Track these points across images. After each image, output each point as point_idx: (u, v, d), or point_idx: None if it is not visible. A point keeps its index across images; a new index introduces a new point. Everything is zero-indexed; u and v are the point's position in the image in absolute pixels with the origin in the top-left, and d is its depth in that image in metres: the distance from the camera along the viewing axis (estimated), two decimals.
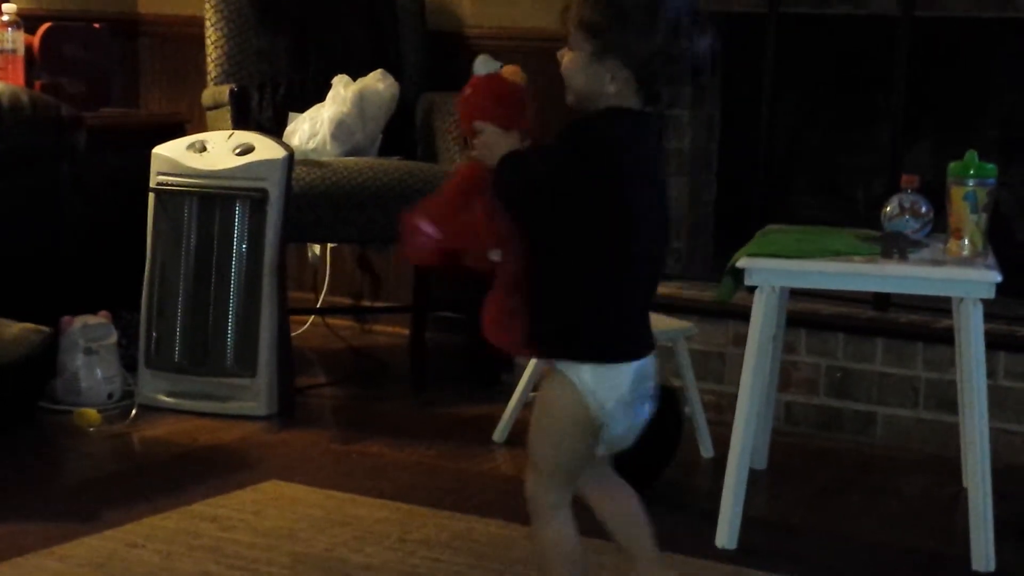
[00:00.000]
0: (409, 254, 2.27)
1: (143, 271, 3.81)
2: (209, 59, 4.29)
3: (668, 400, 3.23)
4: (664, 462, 3.23)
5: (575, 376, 2.12)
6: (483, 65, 2.26)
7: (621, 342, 2.14)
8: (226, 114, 4.04)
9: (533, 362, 3.50)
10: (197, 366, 3.74)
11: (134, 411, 3.70)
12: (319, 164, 3.92)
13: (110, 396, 3.74)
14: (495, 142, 2.17)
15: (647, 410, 2.22)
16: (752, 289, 2.90)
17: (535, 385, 3.49)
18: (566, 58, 2.16)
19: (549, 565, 2.24)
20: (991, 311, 2.89)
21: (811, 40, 4.14)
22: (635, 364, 2.15)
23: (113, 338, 3.78)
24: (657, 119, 2.23)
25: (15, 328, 3.54)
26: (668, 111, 4.16)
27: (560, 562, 2.23)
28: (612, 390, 2.13)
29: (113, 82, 4.49)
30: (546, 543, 2.23)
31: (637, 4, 2.10)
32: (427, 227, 2.20)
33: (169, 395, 3.76)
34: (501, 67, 2.28)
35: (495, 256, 2.18)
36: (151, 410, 3.71)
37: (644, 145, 2.15)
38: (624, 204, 2.11)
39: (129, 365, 3.82)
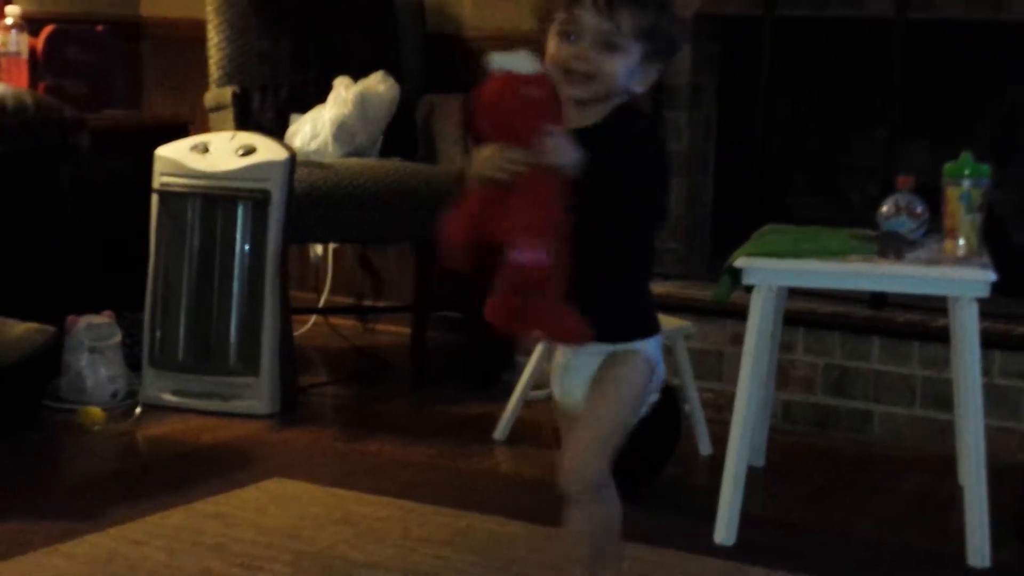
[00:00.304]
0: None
1: (146, 272, 3.82)
2: (211, 61, 4.29)
3: (667, 398, 3.25)
4: (664, 459, 3.24)
5: (649, 352, 2.17)
6: (518, 62, 2.09)
7: (656, 309, 2.25)
8: (228, 116, 4.05)
9: (533, 361, 3.51)
10: (201, 365, 3.75)
11: (138, 410, 3.72)
12: (321, 165, 3.92)
13: (114, 395, 3.75)
14: (565, 145, 2.04)
15: None
16: (750, 288, 2.91)
17: (535, 384, 3.52)
18: (615, 61, 2.10)
19: (613, 536, 2.26)
20: (986, 310, 2.90)
21: (807, 42, 4.15)
22: None
23: (117, 338, 3.79)
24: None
25: (19, 328, 3.55)
26: (668, 112, 4.18)
27: (617, 532, 2.26)
28: (659, 361, 2.20)
29: (116, 84, 4.49)
30: (612, 516, 2.24)
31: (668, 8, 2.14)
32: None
33: (173, 394, 3.77)
34: (534, 63, 2.10)
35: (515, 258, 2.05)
36: (155, 409, 3.72)
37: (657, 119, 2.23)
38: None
39: (133, 364, 3.83)
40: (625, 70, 2.11)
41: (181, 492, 3.06)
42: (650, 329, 2.20)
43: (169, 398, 3.77)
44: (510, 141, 2.06)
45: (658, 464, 3.23)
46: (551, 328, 2.12)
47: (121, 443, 3.51)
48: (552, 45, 2.15)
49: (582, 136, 2.08)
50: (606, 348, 2.16)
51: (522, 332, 2.31)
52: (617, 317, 2.16)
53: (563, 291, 2.05)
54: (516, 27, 4.38)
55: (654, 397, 2.24)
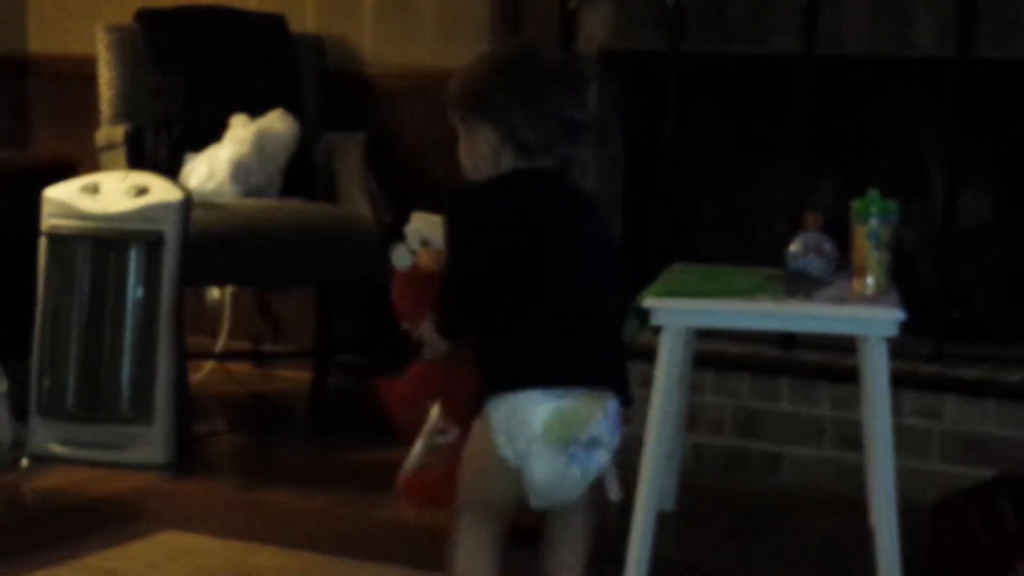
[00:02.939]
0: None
1: (34, 317, 3.74)
2: (102, 98, 4.24)
3: None
4: None
5: (490, 412, 2.15)
6: (400, 258, 2.52)
7: (527, 371, 2.14)
8: (120, 155, 4.00)
9: (437, 407, 3.46)
10: (91, 414, 3.68)
11: (24, 461, 3.64)
12: (217, 206, 3.88)
13: None
14: (426, 337, 2.35)
15: (595, 460, 2.18)
16: (658, 329, 2.89)
17: (439, 430, 3.47)
18: (461, 148, 2.34)
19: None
20: (896, 349, 2.90)
21: (712, 78, 4.16)
22: (552, 402, 2.12)
23: (3, 386, 3.71)
24: (555, 170, 2.33)
25: None
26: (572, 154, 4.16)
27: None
28: (521, 426, 2.11)
29: (2, 123, 4.43)
30: (454, 560, 2.26)
31: (484, 68, 2.31)
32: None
33: (62, 444, 3.69)
34: (416, 254, 2.52)
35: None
36: (43, 460, 3.64)
37: (526, 195, 2.27)
38: (507, 256, 2.21)
39: (20, 414, 3.75)
40: (468, 153, 2.31)
41: (70, 547, 3.00)
42: (488, 388, 2.19)
43: (58, 449, 3.69)
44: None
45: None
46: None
47: (6, 496, 3.43)
48: None
49: None
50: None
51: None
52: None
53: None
54: (416, 63, 4.36)
55: (597, 458, 2.23)
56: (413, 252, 2.54)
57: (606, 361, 2.23)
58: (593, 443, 2.16)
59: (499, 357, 2.18)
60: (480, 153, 2.29)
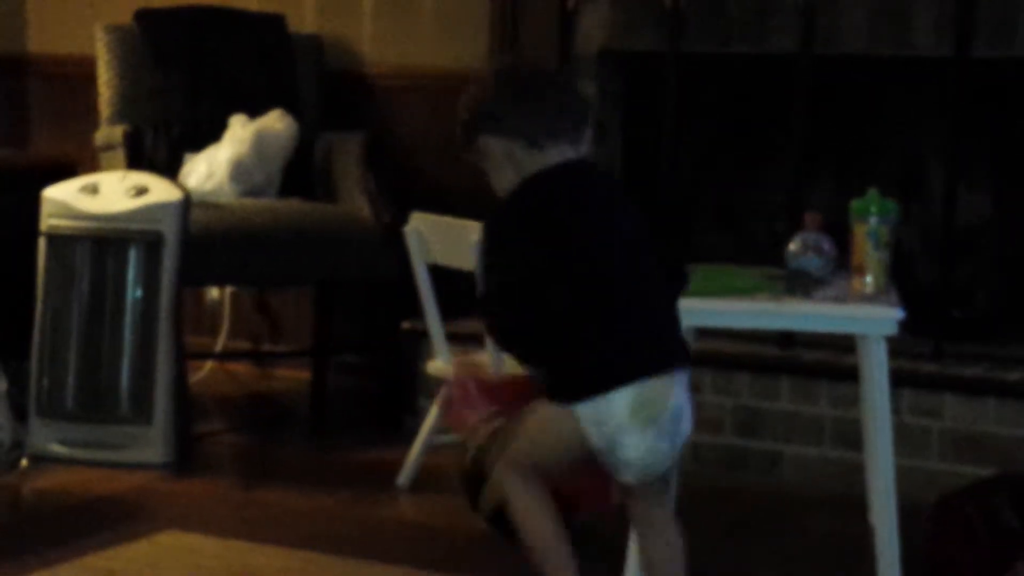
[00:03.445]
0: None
1: (33, 317, 3.73)
2: (101, 99, 4.23)
3: None
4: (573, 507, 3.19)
5: (577, 413, 2.24)
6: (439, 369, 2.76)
7: (606, 375, 2.24)
8: (120, 155, 4.00)
9: (435, 406, 3.47)
10: (90, 414, 3.67)
11: (24, 461, 3.63)
12: (216, 206, 3.88)
13: None
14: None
15: (682, 431, 2.30)
16: None
17: (439, 428, 3.47)
18: (493, 179, 2.38)
19: (523, 528, 2.35)
20: (895, 348, 2.90)
21: (712, 78, 4.16)
22: (630, 389, 2.22)
23: (3, 386, 3.70)
24: (583, 161, 2.38)
25: None
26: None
27: (527, 521, 2.34)
28: (610, 417, 2.22)
29: (1, 123, 4.42)
30: (513, 511, 2.35)
31: (477, 93, 2.40)
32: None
33: (61, 444, 3.68)
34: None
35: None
36: (43, 460, 3.63)
37: (562, 191, 2.33)
38: (558, 260, 2.27)
39: (20, 414, 3.74)
40: (497, 172, 2.36)
41: (70, 547, 2.99)
42: (571, 396, 2.26)
43: (57, 449, 3.68)
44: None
45: (569, 511, 3.17)
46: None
47: (6, 497, 3.43)
48: None
49: None
50: None
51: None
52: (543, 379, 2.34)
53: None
54: (415, 62, 4.35)
55: (684, 428, 2.32)
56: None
57: (669, 340, 2.33)
58: (676, 415, 2.28)
59: (572, 363, 2.27)
60: (503, 170, 2.35)
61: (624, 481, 2.32)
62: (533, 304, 2.28)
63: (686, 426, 2.31)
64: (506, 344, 2.38)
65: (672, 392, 2.27)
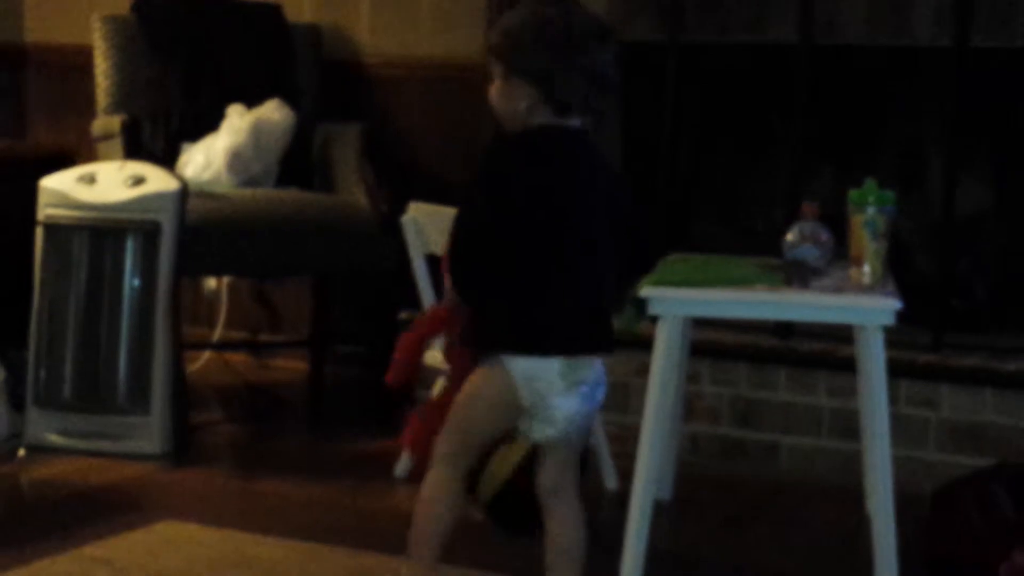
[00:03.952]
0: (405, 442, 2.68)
1: (31, 307, 3.72)
2: (99, 89, 4.23)
3: None
4: None
5: (508, 363, 2.35)
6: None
7: (545, 339, 2.36)
8: (117, 145, 3.99)
9: (435, 396, 3.46)
10: (88, 404, 3.67)
11: (22, 451, 3.63)
12: (214, 196, 3.87)
13: None
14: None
15: (597, 398, 2.44)
16: (655, 319, 2.88)
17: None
18: (493, 93, 2.40)
19: (420, 507, 2.49)
20: (892, 338, 2.90)
21: (711, 68, 4.15)
22: (563, 358, 2.36)
23: (0, 376, 3.70)
24: (580, 132, 2.43)
25: None
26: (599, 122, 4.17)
27: (431, 507, 2.48)
28: (542, 374, 2.35)
29: None
30: (425, 487, 2.48)
31: (526, 25, 2.37)
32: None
33: (59, 434, 3.68)
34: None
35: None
36: (40, 450, 3.62)
37: (552, 156, 2.38)
38: (532, 217, 2.34)
39: (17, 404, 3.74)
40: (493, 95, 2.39)
41: (68, 537, 2.99)
42: (511, 347, 2.37)
43: (55, 439, 3.67)
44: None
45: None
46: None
47: (3, 487, 3.41)
48: None
49: None
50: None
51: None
52: (479, 328, 2.42)
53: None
54: (413, 53, 4.35)
55: (599, 393, 2.44)
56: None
57: (605, 327, 2.44)
58: (595, 383, 2.42)
59: (518, 320, 2.37)
60: (516, 107, 2.37)
61: (542, 439, 2.43)
62: (492, 255, 2.35)
63: (600, 393, 2.44)
64: (461, 281, 2.42)
65: (594, 363, 2.42)
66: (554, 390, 2.36)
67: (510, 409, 2.39)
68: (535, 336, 2.36)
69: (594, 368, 2.42)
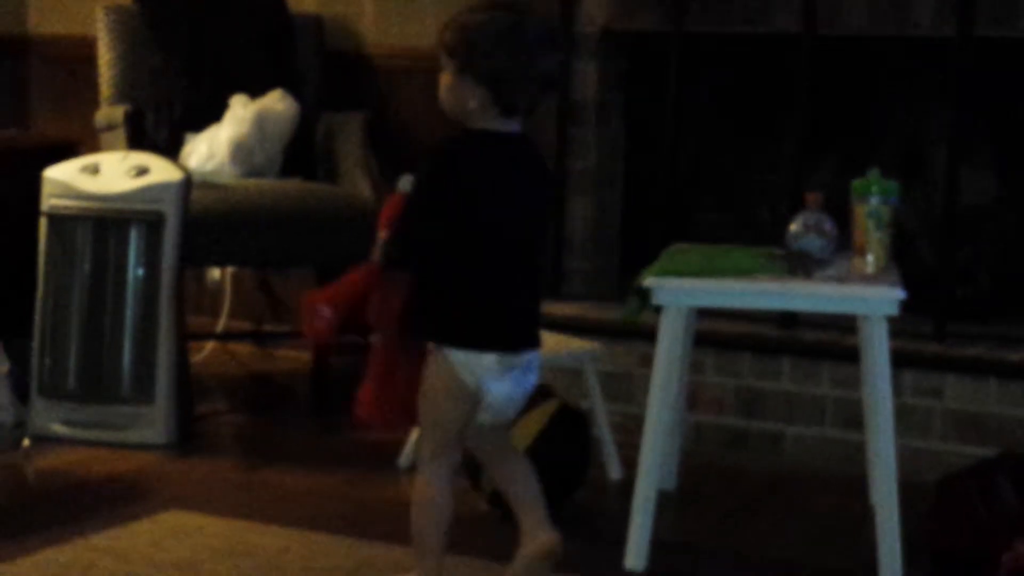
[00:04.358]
0: (308, 332, 2.65)
1: (35, 297, 3.72)
2: (102, 79, 4.21)
3: (576, 422, 3.22)
4: (573, 485, 3.20)
5: (450, 356, 2.49)
6: (406, 184, 2.60)
7: (481, 336, 2.49)
8: (120, 135, 3.98)
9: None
10: (92, 394, 3.67)
11: (26, 441, 3.61)
12: (217, 186, 3.86)
13: (1, 426, 3.62)
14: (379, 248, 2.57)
15: (530, 381, 2.56)
16: (659, 309, 2.88)
17: None
18: (442, 81, 2.49)
19: (415, 510, 2.56)
20: (897, 328, 2.90)
21: (714, 58, 4.14)
22: (496, 353, 2.49)
23: (4, 367, 3.68)
24: (519, 137, 2.51)
25: None
26: (575, 130, 4.18)
27: (425, 508, 2.56)
28: (479, 362, 2.48)
29: (2, 103, 4.41)
30: (416, 490, 2.57)
31: (485, 28, 2.45)
32: (326, 311, 2.59)
33: (63, 424, 3.68)
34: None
35: (375, 339, 2.59)
36: (45, 440, 3.62)
37: (493, 162, 2.48)
38: (472, 220, 2.45)
39: (21, 394, 3.72)
40: (443, 90, 2.48)
41: (72, 526, 2.99)
42: (446, 340, 2.50)
43: (59, 429, 3.68)
44: None
45: (567, 490, 3.18)
46: (369, 416, 2.62)
47: (7, 477, 3.40)
48: None
49: None
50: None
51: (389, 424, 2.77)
52: (420, 319, 2.53)
53: (385, 378, 2.59)
54: (417, 44, 4.33)
55: (531, 379, 2.57)
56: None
57: (536, 324, 2.58)
58: (527, 368, 2.54)
59: (455, 316, 2.50)
60: (465, 105, 2.46)
61: (482, 420, 2.55)
62: (431, 251, 2.47)
63: (533, 378, 2.57)
64: (401, 263, 2.53)
65: (527, 355, 2.55)
66: (491, 376, 2.49)
67: (465, 393, 2.50)
68: (471, 333, 2.49)
69: (526, 357, 2.54)
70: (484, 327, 2.49)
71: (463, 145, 2.49)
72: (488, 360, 2.48)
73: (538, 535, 2.62)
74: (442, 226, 2.45)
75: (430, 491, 2.55)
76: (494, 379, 2.49)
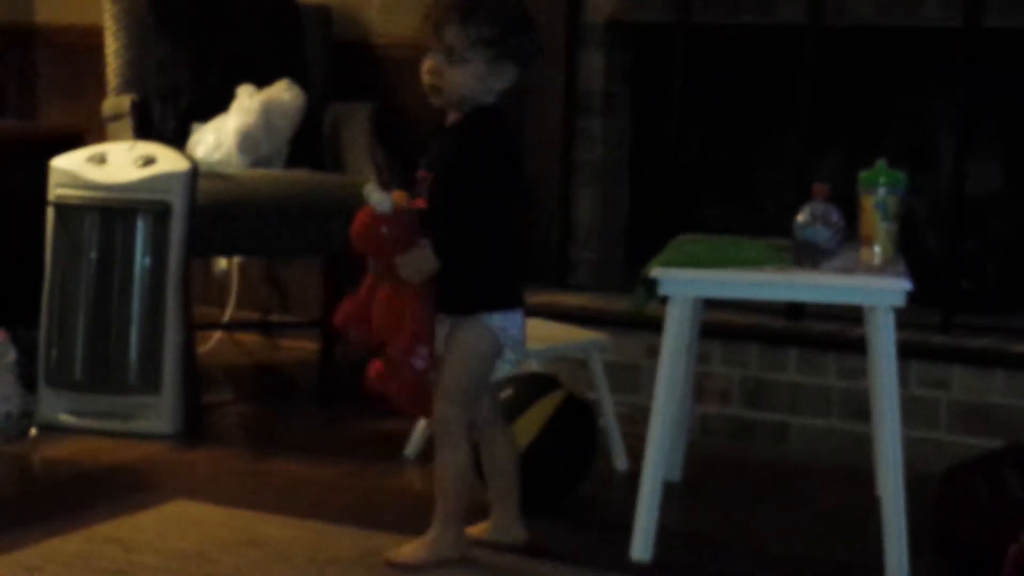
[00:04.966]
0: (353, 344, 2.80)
1: (42, 287, 3.72)
2: (109, 69, 4.21)
3: (582, 413, 3.21)
4: (579, 475, 3.20)
5: (490, 320, 2.68)
6: (379, 201, 2.64)
7: (514, 294, 2.74)
8: (127, 125, 3.98)
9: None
10: (99, 384, 3.67)
11: (33, 431, 3.62)
12: (224, 176, 3.86)
13: (8, 416, 3.64)
14: (419, 263, 2.64)
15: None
16: (665, 299, 2.88)
17: None
18: (457, 72, 2.63)
19: (451, 481, 2.73)
20: (904, 320, 2.89)
21: (721, 49, 4.14)
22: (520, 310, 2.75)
23: (11, 356, 3.69)
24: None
25: None
26: (581, 121, 4.18)
27: (460, 478, 2.73)
28: (513, 323, 2.72)
29: (8, 93, 4.41)
30: (451, 461, 2.72)
31: (510, 14, 2.64)
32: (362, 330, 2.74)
33: (70, 414, 3.68)
34: (392, 197, 2.68)
35: (418, 361, 2.69)
36: (51, 430, 3.63)
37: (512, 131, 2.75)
38: (520, 188, 2.69)
39: (28, 384, 3.73)
40: (468, 79, 2.61)
41: (79, 516, 2.99)
42: (492, 305, 2.69)
43: (66, 419, 3.68)
44: (375, 263, 2.71)
45: (573, 481, 3.18)
46: (413, 403, 2.77)
47: (14, 466, 3.42)
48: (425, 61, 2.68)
49: (442, 135, 2.74)
50: (451, 319, 2.71)
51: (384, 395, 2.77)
52: (457, 292, 2.68)
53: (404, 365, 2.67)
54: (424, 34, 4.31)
55: (508, 357, 2.76)
56: (388, 194, 2.70)
57: None
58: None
59: (498, 280, 2.71)
60: (492, 87, 2.64)
61: (502, 375, 2.81)
62: (490, 223, 2.64)
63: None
64: (457, 251, 2.64)
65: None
66: (516, 329, 2.71)
67: (497, 353, 2.71)
68: (509, 294, 2.72)
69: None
70: (514, 287, 2.74)
71: (500, 119, 2.66)
72: (519, 316, 2.71)
73: (511, 531, 2.84)
74: (505, 199, 2.65)
75: (460, 455, 2.72)
76: (518, 330, 2.71)
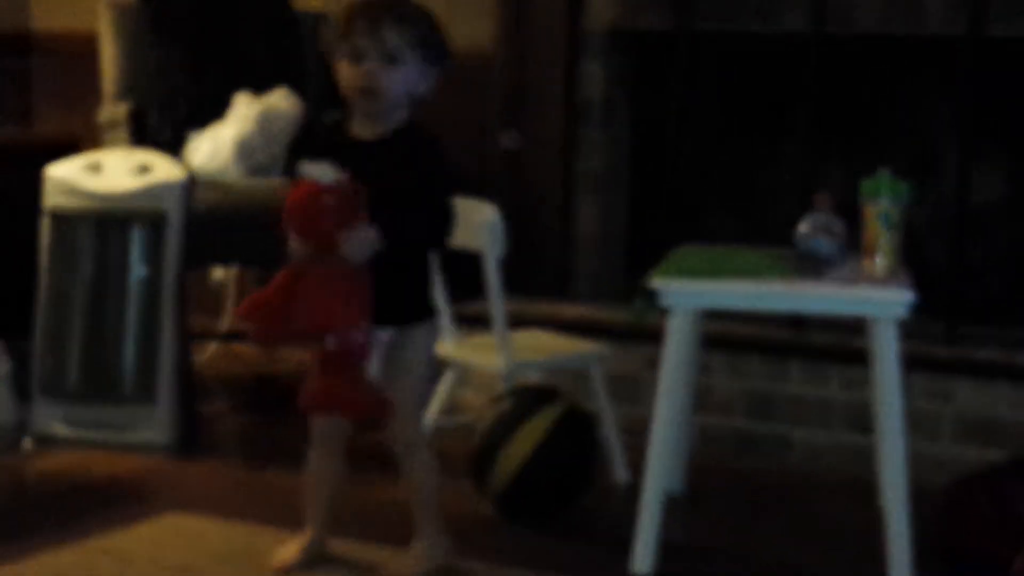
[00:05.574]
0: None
1: (36, 297, 3.70)
2: (105, 76, 4.20)
3: (583, 424, 3.19)
4: (579, 488, 3.18)
5: (433, 326, 2.76)
6: (324, 173, 2.53)
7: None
8: (123, 133, 3.98)
9: (442, 388, 3.45)
10: (94, 394, 3.66)
11: (27, 442, 3.61)
12: (221, 185, 3.85)
13: (1, 426, 3.64)
14: (364, 242, 2.51)
15: None
16: (666, 310, 2.86)
17: (444, 411, 3.45)
18: (396, 73, 2.54)
19: (430, 494, 2.76)
20: (907, 331, 2.88)
21: (722, 57, 4.13)
22: None
23: (6, 367, 3.68)
24: None
25: None
26: (582, 130, 4.17)
27: (436, 487, 2.77)
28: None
29: (4, 100, 4.40)
30: (425, 477, 2.75)
31: (433, 21, 2.62)
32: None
33: (65, 424, 3.66)
34: (334, 173, 2.54)
35: (331, 344, 2.53)
36: (46, 441, 3.61)
37: None
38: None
39: (23, 394, 3.72)
40: (405, 80, 2.54)
41: (73, 528, 2.98)
42: (433, 313, 2.74)
43: (61, 429, 3.66)
44: (313, 241, 2.57)
45: (574, 493, 3.16)
46: (359, 404, 2.62)
47: (8, 477, 3.41)
48: (343, 69, 2.57)
49: (366, 149, 2.59)
50: (397, 329, 2.67)
51: (336, 411, 2.73)
52: (404, 304, 2.66)
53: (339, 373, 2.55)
54: None
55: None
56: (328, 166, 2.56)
57: None
58: None
59: (431, 292, 2.74)
60: (424, 94, 2.61)
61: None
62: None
63: None
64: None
65: None
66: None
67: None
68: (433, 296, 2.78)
69: None
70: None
71: (436, 140, 2.63)
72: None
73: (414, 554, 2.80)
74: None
75: (429, 467, 2.75)
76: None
